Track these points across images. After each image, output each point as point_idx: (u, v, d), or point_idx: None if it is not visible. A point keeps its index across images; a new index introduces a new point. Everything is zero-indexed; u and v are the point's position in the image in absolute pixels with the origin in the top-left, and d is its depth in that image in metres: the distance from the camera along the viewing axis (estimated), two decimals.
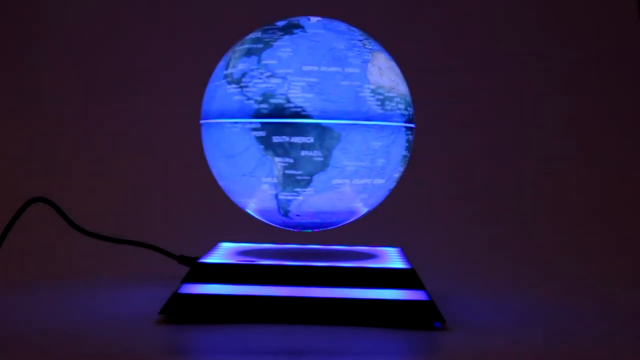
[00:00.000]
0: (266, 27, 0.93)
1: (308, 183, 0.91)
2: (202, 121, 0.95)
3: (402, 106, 0.92)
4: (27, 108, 1.53)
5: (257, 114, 0.89)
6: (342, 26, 0.94)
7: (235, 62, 0.91)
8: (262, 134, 0.89)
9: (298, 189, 0.91)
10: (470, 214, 1.42)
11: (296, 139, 0.89)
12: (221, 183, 0.96)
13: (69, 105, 1.53)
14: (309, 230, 0.95)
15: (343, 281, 0.88)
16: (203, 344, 0.82)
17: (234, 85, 0.90)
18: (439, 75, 1.53)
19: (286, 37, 0.91)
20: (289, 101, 0.89)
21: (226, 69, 0.92)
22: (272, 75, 0.89)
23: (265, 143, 0.89)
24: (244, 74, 0.90)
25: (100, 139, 1.51)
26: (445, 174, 1.47)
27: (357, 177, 0.91)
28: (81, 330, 0.84)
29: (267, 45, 0.91)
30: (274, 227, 0.97)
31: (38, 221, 1.26)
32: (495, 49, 1.55)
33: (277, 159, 0.89)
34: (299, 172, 0.90)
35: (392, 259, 0.94)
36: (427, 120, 1.35)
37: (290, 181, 0.90)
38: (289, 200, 0.92)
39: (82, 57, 1.54)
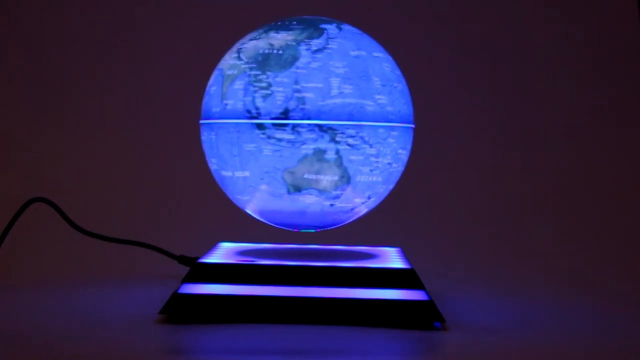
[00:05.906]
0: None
1: None
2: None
3: None
4: (27, 108, 1.53)
5: None
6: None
7: None
8: None
9: None
10: (470, 214, 1.42)
11: None
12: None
13: (69, 105, 1.53)
14: (309, 230, 0.95)
15: (343, 281, 0.88)
16: (203, 344, 0.82)
17: None
18: (440, 75, 1.53)
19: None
20: None
21: None
22: None
23: None
24: None
25: (100, 138, 1.50)
26: (445, 174, 1.47)
27: None
28: (81, 330, 0.84)
29: None
30: (274, 227, 0.97)
31: (38, 221, 1.26)
32: (495, 49, 1.55)
33: None
34: None
35: (392, 259, 0.94)
36: (427, 120, 1.35)
37: None
38: None
39: (82, 56, 1.54)
